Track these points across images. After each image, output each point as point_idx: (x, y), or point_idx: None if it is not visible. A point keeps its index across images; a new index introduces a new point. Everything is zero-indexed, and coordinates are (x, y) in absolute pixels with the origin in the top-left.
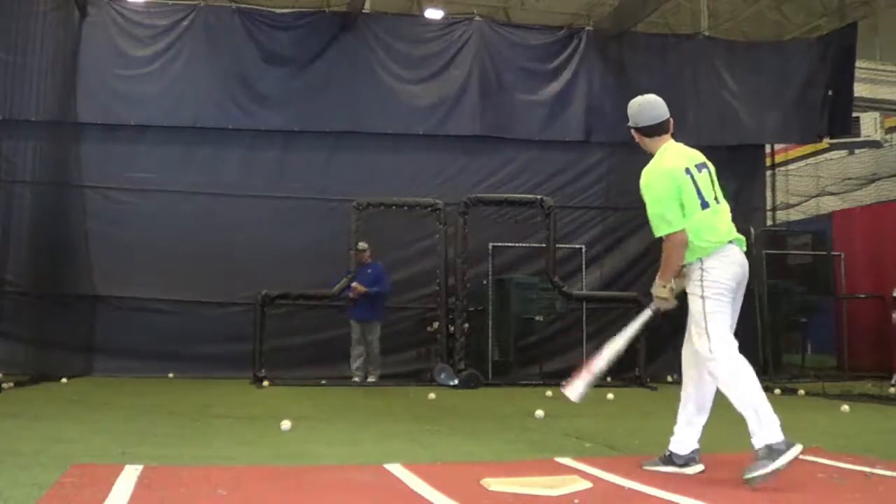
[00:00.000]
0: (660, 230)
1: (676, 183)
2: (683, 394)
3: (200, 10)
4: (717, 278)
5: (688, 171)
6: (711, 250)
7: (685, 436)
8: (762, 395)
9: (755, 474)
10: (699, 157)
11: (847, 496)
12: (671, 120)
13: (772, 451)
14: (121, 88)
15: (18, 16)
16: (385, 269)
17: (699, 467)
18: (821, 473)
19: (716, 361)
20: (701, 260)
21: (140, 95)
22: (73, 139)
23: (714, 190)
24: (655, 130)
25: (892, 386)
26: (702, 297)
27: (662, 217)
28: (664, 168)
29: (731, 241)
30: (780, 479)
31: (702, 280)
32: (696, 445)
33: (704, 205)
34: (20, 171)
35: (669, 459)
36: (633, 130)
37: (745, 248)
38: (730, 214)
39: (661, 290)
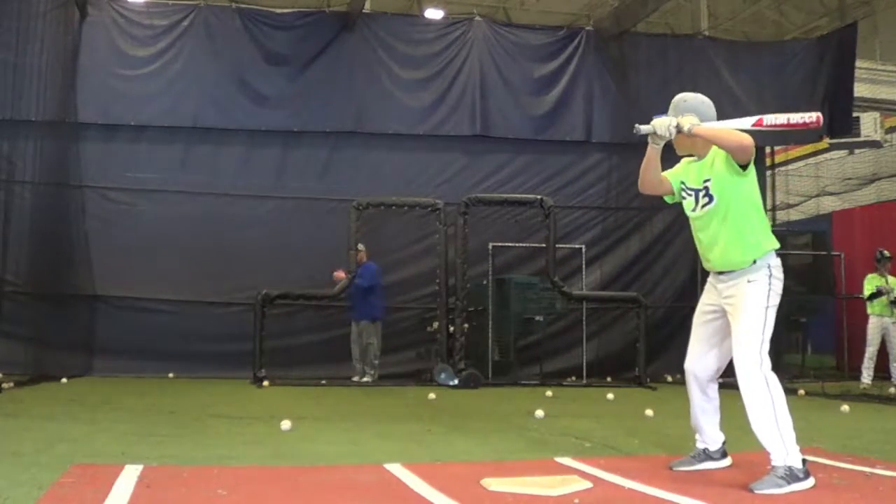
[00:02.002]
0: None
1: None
2: (695, 406)
3: (200, 10)
4: (778, 290)
5: None
6: (773, 253)
7: (711, 433)
8: (790, 418)
9: (768, 491)
10: None
11: (847, 496)
12: None
13: (792, 474)
14: (121, 88)
15: (18, 16)
16: (379, 268)
17: (728, 460)
18: (821, 473)
19: (760, 380)
20: (769, 266)
21: (140, 95)
22: (73, 139)
23: None
24: None
25: (864, 386)
26: (766, 306)
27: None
28: None
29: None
30: None
31: (769, 286)
32: (723, 437)
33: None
34: (20, 171)
35: (704, 455)
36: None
37: None
38: None
39: (683, 122)
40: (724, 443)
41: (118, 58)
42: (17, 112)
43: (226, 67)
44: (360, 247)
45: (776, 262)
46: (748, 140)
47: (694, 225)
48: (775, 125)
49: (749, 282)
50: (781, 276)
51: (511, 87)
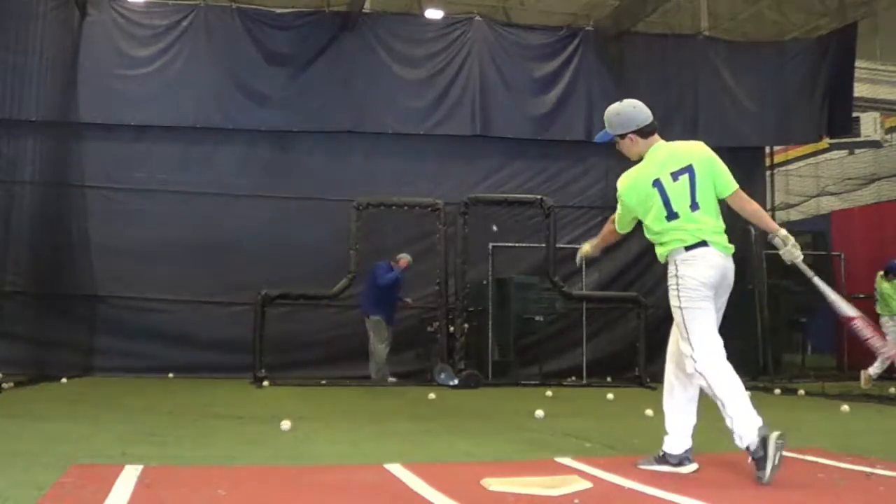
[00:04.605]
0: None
1: (640, 196)
2: (667, 393)
3: (200, 10)
4: (690, 285)
5: (657, 182)
6: (681, 248)
7: (678, 435)
8: (745, 397)
9: (768, 472)
10: (684, 159)
11: (847, 496)
12: None
13: (764, 445)
14: (121, 88)
15: (18, 16)
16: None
17: (693, 466)
18: (821, 473)
19: (700, 368)
20: (676, 265)
21: (140, 95)
22: (74, 139)
23: (692, 196)
24: (651, 128)
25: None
26: (679, 307)
27: (619, 216)
28: (635, 179)
29: (704, 243)
30: (782, 478)
31: (678, 288)
32: (689, 444)
33: (672, 216)
34: (20, 171)
35: (664, 459)
36: (627, 136)
37: (728, 252)
38: (714, 219)
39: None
40: (687, 450)
41: (118, 58)
42: (17, 112)
43: (226, 67)
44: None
45: (682, 256)
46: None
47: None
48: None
49: (668, 285)
50: (692, 271)
51: (511, 87)
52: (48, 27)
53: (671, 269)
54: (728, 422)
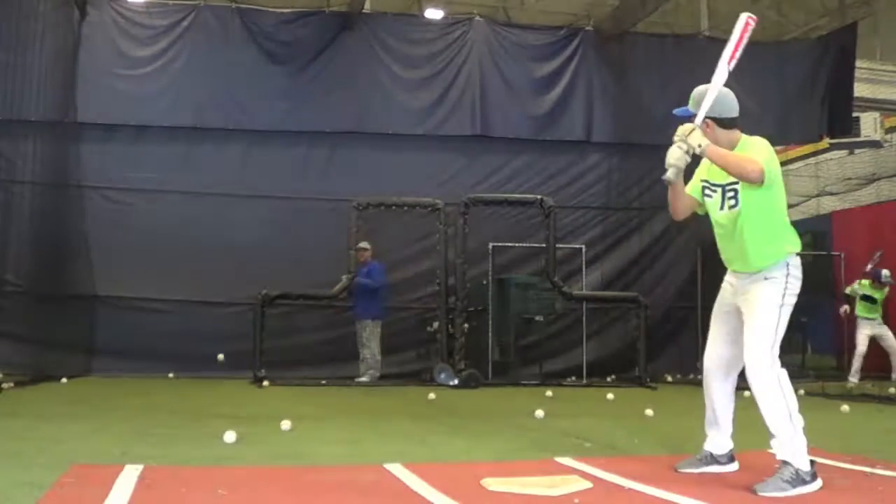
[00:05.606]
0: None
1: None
2: (713, 404)
3: (200, 10)
4: (796, 289)
5: None
6: (793, 254)
7: (717, 438)
8: (801, 418)
9: (771, 493)
10: None
11: (847, 496)
12: None
13: (798, 477)
14: (121, 88)
15: (18, 16)
16: (383, 268)
17: (735, 465)
18: (821, 473)
19: (773, 379)
20: (788, 266)
21: (140, 95)
22: (73, 139)
23: None
24: (736, 122)
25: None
26: (780, 304)
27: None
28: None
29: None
30: None
31: (786, 285)
32: (731, 444)
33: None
34: (20, 171)
35: (710, 458)
36: (706, 121)
37: None
38: None
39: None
40: (730, 450)
41: (118, 58)
42: (17, 112)
43: (226, 67)
44: (366, 245)
45: (795, 262)
46: (753, 170)
47: (716, 226)
48: (734, 53)
49: (766, 279)
50: (800, 275)
51: (511, 87)
52: (48, 27)
53: (781, 269)
54: (785, 429)
